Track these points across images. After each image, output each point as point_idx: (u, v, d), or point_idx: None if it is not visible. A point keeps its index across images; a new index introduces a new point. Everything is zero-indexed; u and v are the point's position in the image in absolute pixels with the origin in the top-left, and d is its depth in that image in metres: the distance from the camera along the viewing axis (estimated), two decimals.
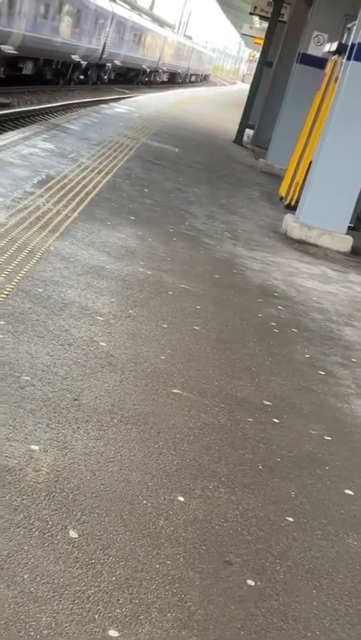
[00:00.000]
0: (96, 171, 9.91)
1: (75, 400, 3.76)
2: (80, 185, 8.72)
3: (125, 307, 5.26)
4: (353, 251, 9.60)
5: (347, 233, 9.77)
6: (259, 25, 32.15)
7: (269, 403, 4.47)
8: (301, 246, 9.32)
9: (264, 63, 20.77)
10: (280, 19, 20.61)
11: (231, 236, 8.70)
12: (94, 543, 2.79)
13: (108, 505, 3.02)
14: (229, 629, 2.60)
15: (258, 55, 27.86)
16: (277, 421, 4.28)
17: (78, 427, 3.51)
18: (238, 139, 19.93)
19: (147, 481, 3.28)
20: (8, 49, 19.33)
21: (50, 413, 3.55)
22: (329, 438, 4.26)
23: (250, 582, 2.86)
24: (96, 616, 2.46)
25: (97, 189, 8.78)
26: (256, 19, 29.45)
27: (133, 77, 43.78)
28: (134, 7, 44.74)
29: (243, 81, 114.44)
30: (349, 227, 10.04)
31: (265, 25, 24.27)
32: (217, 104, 37.84)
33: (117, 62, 36.38)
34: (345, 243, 9.64)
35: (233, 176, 13.94)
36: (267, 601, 2.79)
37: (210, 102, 37.56)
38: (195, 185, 11.46)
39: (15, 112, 18.10)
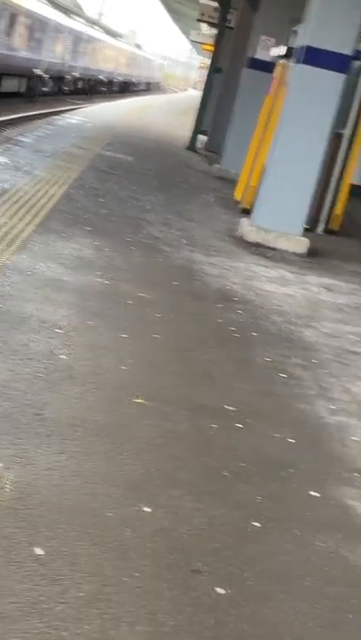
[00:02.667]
0: (50, 183, 9.86)
1: (37, 414, 3.72)
2: (35, 198, 8.67)
3: (84, 319, 5.23)
4: (309, 252, 9.65)
5: (303, 235, 9.83)
6: (208, 32, 32.27)
7: (232, 408, 4.47)
8: (258, 250, 9.35)
9: (214, 69, 20.87)
10: (227, 24, 20.72)
11: (188, 243, 8.70)
12: (60, 559, 2.76)
13: (73, 520, 2.99)
14: (200, 638, 2.58)
15: (208, 61, 27.95)
16: (240, 425, 4.28)
17: (40, 442, 3.48)
18: (191, 145, 19.98)
19: (111, 493, 3.26)
20: (75, 74, 37.58)
21: (11, 429, 3.51)
22: (293, 440, 4.27)
23: (220, 590, 2.85)
24: (65, 633, 2.43)
25: (52, 201, 8.74)
26: (205, 25, 29.55)
27: (126, 87, 59.20)
28: (138, 45, 69.86)
29: (195, 88, 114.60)
30: (305, 228, 10.09)
31: (214, 31, 24.39)
32: (169, 111, 37.94)
33: (120, 79, 55.20)
34: (301, 245, 9.68)
35: (187, 182, 13.96)
36: (237, 608, 2.78)
37: (163, 109, 37.65)
38: (150, 193, 11.46)
39: None
